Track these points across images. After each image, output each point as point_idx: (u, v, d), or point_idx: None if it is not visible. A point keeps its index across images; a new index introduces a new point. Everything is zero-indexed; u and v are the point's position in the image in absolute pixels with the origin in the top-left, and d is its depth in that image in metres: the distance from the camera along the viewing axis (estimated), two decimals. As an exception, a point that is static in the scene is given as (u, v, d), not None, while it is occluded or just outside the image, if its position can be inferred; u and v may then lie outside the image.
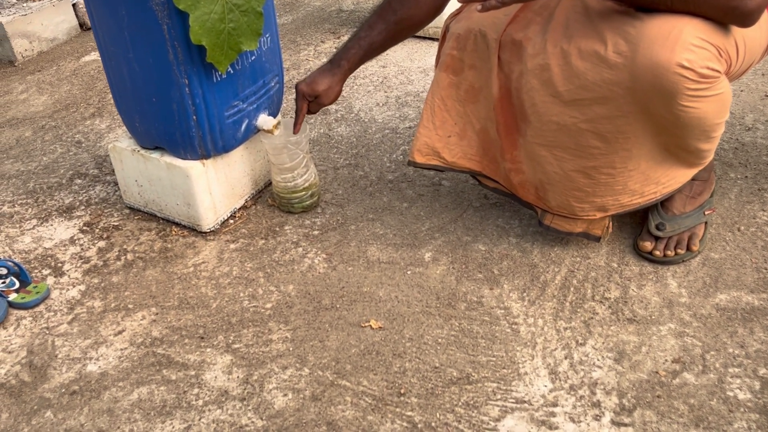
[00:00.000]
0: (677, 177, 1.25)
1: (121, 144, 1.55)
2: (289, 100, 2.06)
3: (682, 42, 1.01)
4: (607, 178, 1.23)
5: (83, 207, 1.68)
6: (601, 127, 1.16)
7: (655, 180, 1.23)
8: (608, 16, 1.11)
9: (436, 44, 2.38)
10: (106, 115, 2.10)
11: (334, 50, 2.42)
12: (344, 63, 1.44)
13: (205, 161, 1.47)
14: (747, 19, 1.01)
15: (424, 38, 2.43)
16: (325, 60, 2.34)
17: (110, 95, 2.20)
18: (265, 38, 1.46)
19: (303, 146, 1.52)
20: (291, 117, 1.94)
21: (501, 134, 1.35)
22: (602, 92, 1.11)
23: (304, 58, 2.38)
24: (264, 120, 1.52)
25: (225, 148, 1.48)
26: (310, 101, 1.47)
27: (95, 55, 2.48)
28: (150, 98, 1.39)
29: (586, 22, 1.12)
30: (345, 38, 2.51)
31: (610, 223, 1.40)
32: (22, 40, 2.47)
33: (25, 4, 2.51)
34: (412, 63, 2.28)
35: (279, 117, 1.59)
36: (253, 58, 1.44)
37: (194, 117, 1.38)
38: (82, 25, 2.68)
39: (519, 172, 1.37)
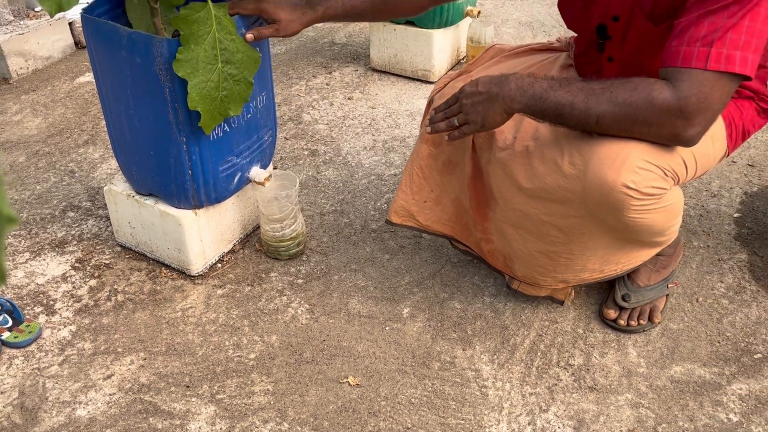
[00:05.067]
0: (638, 257, 1.34)
1: (116, 188, 1.61)
2: (279, 150, 2.13)
3: (628, 165, 1.11)
4: (567, 261, 1.32)
5: (75, 242, 1.74)
6: (559, 222, 1.25)
7: (614, 261, 1.32)
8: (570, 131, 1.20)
9: (423, 86, 2.47)
10: (99, 143, 2.15)
11: (326, 86, 2.50)
12: (320, 9, 1.36)
13: (197, 210, 1.54)
14: (688, 143, 1.11)
15: (413, 79, 2.51)
16: (316, 97, 2.42)
17: (103, 122, 2.25)
18: (261, 96, 1.53)
19: (292, 198, 1.60)
20: (282, 169, 2.01)
21: (473, 207, 1.44)
22: (559, 195, 1.21)
23: (296, 93, 2.45)
24: (256, 172, 1.59)
25: (218, 199, 1.55)
26: (264, 21, 1.38)
27: (89, 77, 2.52)
28: (148, 152, 1.45)
29: (552, 130, 1.21)
30: (337, 73, 2.59)
31: (572, 290, 1.49)
32: (18, 58, 2.51)
33: (22, 23, 2.55)
34: (400, 105, 2.36)
35: (270, 169, 1.66)
36: (249, 116, 1.51)
37: (190, 171, 1.45)
38: (77, 43, 2.72)
39: (489, 242, 1.46)
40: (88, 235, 1.76)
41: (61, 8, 0.99)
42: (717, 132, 1.23)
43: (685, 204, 1.80)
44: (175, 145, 1.41)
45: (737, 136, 1.28)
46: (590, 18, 1.28)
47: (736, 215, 1.80)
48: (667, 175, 1.14)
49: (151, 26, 1.41)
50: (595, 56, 1.32)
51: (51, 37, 2.61)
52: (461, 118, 1.22)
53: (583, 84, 1.11)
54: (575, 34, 1.41)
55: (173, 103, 1.35)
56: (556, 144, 1.19)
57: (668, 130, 1.08)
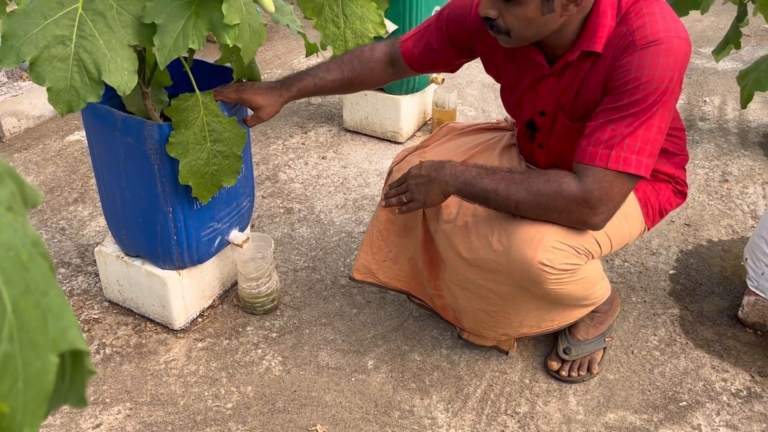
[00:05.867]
0: (571, 315, 1.52)
1: (106, 249, 1.76)
2: (256, 209, 2.29)
3: (543, 244, 1.30)
4: (505, 319, 1.50)
5: (66, 297, 1.87)
6: (495, 288, 1.43)
7: (549, 319, 1.50)
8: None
9: (392, 146, 2.66)
10: (88, 201, 2.30)
11: (302, 145, 2.68)
12: (294, 89, 1.55)
13: (181, 271, 1.69)
14: (595, 228, 1.31)
15: (383, 140, 2.70)
16: (292, 156, 2.60)
17: (92, 180, 2.40)
18: (241, 168, 1.70)
19: (268, 259, 1.76)
20: (259, 227, 2.18)
21: (426, 267, 1.62)
22: (492, 266, 1.39)
23: (273, 153, 2.62)
24: (235, 235, 1.75)
25: (199, 261, 1.70)
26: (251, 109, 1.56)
27: (78, 135, 2.68)
28: (137, 219, 1.61)
29: (487, 209, 1.40)
30: (312, 133, 2.77)
31: (515, 342, 1.67)
32: (11, 118, 2.66)
33: (15, 84, 2.71)
34: (370, 165, 2.54)
35: (248, 231, 1.82)
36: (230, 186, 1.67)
37: (175, 237, 1.60)
38: (67, 103, 2.88)
39: (441, 297, 1.64)
40: (78, 291, 1.90)
41: (71, 110, 1.16)
42: (631, 212, 1.42)
43: (626, 261, 2.00)
44: (162, 214, 1.57)
45: (654, 214, 1.47)
46: (522, 111, 1.48)
47: (671, 272, 1.99)
48: (579, 253, 1.33)
49: (143, 107, 1.58)
50: (528, 143, 1.52)
51: (43, 98, 2.76)
52: (408, 196, 1.43)
53: (506, 173, 1.32)
54: None
55: (161, 178, 1.51)
56: (488, 222, 1.38)
57: (576, 217, 1.28)
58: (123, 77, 1.16)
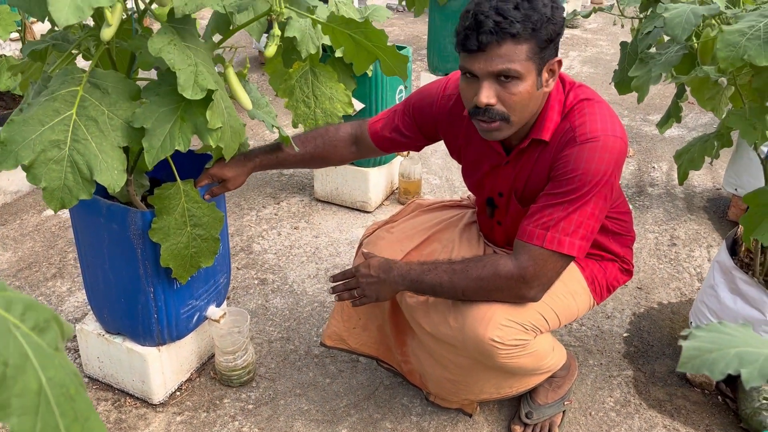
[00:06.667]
0: (528, 382, 1.63)
1: (87, 327, 1.82)
2: (231, 280, 2.38)
3: (493, 323, 1.42)
4: (465, 386, 1.61)
5: (46, 374, 1.92)
6: (454, 359, 1.55)
7: (507, 386, 1.61)
8: None
9: (362, 215, 2.78)
10: (66, 276, 2.36)
11: (275, 216, 2.79)
12: (257, 161, 1.66)
13: (160, 347, 1.76)
14: (533, 300, 1.44)
15: (353, 209, 2.82)
16: (266, 227, 2.70)
17: (70, 255, 2.47)
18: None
19: (244, 333, 1.84)
20: (234, 298, 2.26)
21: (393, 334, 1.74)
22: (450, 341, 1.51)
23: (247, 223, 2.72)
24: (212, 311, 1.84)
25: (179, 337, 1.78)
26: (216, 182, 1.65)
27: (56, 209, 2.76)
28: (120, 298, 1.69)
29: None
30: (285, 203, 2.89)
31: (477, 405, 1.78)
32: (-11, 193, 2.73)
33: (-6, 160, 2.79)
34: (341, 234, 2.66)
35: (224, 307, 1.90)
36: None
37: (155, 315, 1.69)
38: (44, 177, 2.96)
39: (407, 363, 1.75)
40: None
41: (64, 207, 1.26)
42: (578, 290, 1.55)
43: (582, 325, 2.13)
44: (144, 294, 1.65)
45: (602, 291, 1.61)
46: (483, 190, 1.62)
47: (625, 335, 2.12)
48: (527, 329, 1.45)
49: (125, 192, 1.68)
50: (488, 220, 1.65)
51: (20, 174, 2.84)
52: (359, 292, 1.56)
53: (447, 266, 1.45)
54: None
55: (144, 261, 1.60)
56: (446, 301, 1.51)
57: (515, 292, 1.41)
58: (113, 176, 1.27)
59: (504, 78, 1.30)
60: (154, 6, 1.40)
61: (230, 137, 1.35)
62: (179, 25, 1.33)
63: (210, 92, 1.27)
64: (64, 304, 2.23)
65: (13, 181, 2.82)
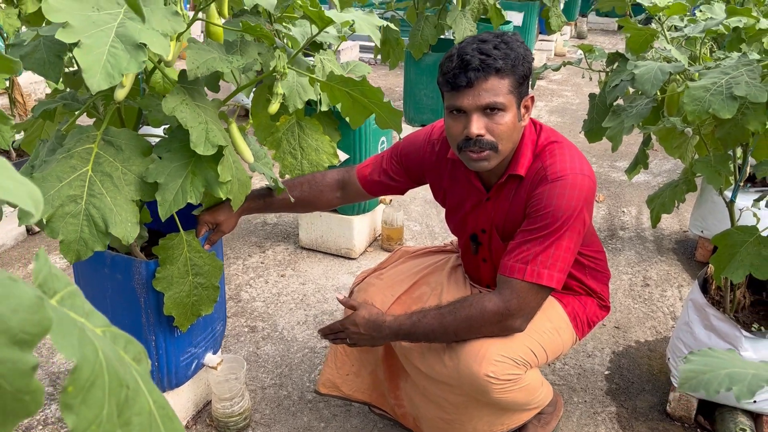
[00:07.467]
0: (519, 418, 1.70)
1: (86, 377, 1.84)
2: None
3: (487, 359, 1.50)
4: (460, 425, 1.68)
5: (41, 426, 1.93)
6: (449, 398, 1.62)
7: (499, 423, 1.68)
8: None
9: (347, 262, 2.85)
10: (56, 328, 2.37)
11: (261, 264, 2.84)
12: (246, 204, 1.70)
13: (159, 395, 1.79)
14: (519, 331, 1.53)
15: (338, 256, 2.89)
16: (253, 275, 2.76)
17: (59, 306, 2.48)
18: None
19: (241, 379, 1.88)
20: (225, 346, 2.30)
21: (386, 378, 1.80)
22: (445, 379, 1.59)
23: (234, 272, 2.77)
24: (210, 358, 1.88)
25: (177, 384, 1.82)
26: (211, 228, 1.73)
27: (42, 261, 2.77)
28: (120, 348, 1.72)
29: None
30: (270, 252, 2.95)
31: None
32: (-26, 247, 2.74)
33: (-21, 214, 2.80)
34: (327, 281, 2.72)
35: (221, 355, 1.95)
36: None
37: (156, 363, 1.72)
38: (29, 230, 2.98)
39: (401, 407, 1.81)
40: (53, 419, 1.96)
41: (79, 258, 1.31)
42: (562, 326, 1.65)
43: (565, 365, 2.21)
44: (145, 342, 1.69)
45: (583, 326, 1.71)
46: (466, 229, 1.71)
47: (606, 372, 2.21)
48: (519, 364, 1.53)
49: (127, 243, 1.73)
50: (473, 258, 1.74)
51: (5, 227, 2.86)
52: (351, 341, 1.64)
53: (436, 311, 1.54)
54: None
55: (146, 309, 1.65)
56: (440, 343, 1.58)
57: (502, 325, 1.50)
58: (127, 228, 1.33)
59: (490, 110, 1.43)
60: (163, 65, 1.49)
61: (238, 189, 1.43)
62: (189, 85, 1.42)
63: (220, 148, 1.35)
64: (56, 355, 2.24)
65: (-1, 234, 2.84)
